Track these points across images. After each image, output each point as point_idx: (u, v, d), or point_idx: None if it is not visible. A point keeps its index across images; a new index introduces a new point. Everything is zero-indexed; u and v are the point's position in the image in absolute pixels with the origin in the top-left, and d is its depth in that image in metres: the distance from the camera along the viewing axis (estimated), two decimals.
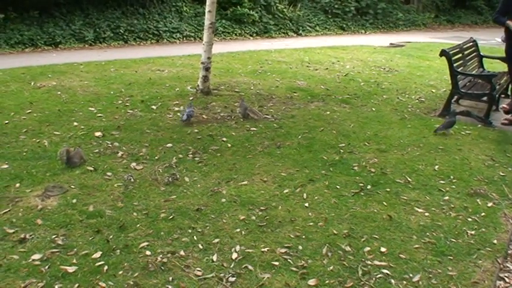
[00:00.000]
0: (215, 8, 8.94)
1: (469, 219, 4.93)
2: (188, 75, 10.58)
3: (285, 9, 19.26)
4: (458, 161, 6.44)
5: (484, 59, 10.55)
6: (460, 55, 9.08)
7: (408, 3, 24.56)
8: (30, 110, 7.77)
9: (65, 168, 5.70)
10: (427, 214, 4.99)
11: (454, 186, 5.66)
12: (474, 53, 10.19)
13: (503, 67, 10.13)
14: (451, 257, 4.26)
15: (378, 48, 15.89)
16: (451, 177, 5.91)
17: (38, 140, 6.58)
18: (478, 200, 5.35)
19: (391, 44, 16.84)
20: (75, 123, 7.25)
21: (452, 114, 7.84)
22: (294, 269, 3.97)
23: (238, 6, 17.85)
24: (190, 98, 8.65)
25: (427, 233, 4.62)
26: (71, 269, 3.84)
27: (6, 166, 5.74)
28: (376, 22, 21.99)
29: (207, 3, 8.80)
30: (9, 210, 4.74)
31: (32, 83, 9.45)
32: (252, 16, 18.14)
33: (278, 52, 14.32)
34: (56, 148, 6.27)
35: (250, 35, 18.19)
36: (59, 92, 8.87)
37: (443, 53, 8.43)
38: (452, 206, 5.19)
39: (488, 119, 8.23)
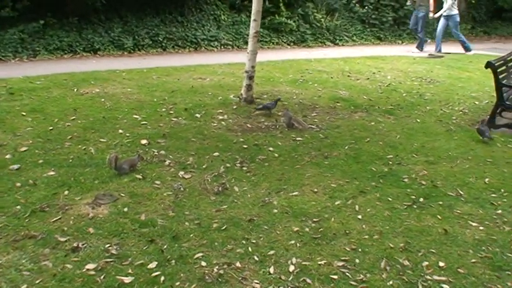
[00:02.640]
0: (260, 17, 8.88)
1: None
2: (230, 84, 10.55)
3: (322, 19, 19.13)
4: (508, 174, 6.31)
5: None
6: (504, 67, 8.89)
7: None
8: (74, 117, 7.80)
9: (114, 175, 5.69)
10: (481, 228, 4.90)
11: (505, 200, 5.55)
12: None
13: None
14: (509, 272, 4.19)
15: (418, 59, 15.70)
16: (502, 190, 5.80)
17: (83, 147, 6.59)
18: None
19: (430, 54, 16.65)
20: (120, 131, 7.25)
21: (480, 123, 7.85)
22: (353, 283, 3.91)
23: (276, 15, 17.78)
24: (234, 107, 8.62)
25: (483, 247, 4.54)
26: (127, 280, 3.81)
27: (53, 173, 5.75)
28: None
29: (253, 11, 8.75)
30: (59, 218, 4.74)
31: (75, 90, 9.48)
32: (289, 25, 18.05)
33: (318, 61, 14.22)
34: (103, 155, 6.29)
35: (288, 44, 18.11)
36: (103, 99, 8.89)
37: (489, 65, 8.27)
38: (506, 220, 5.09)
39: None
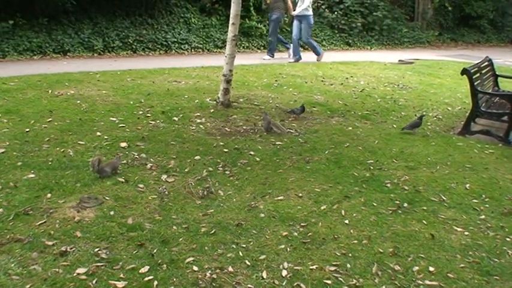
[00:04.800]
0: (239, 21, 8.83)
1: (508, 239, 4.87)
2: (205, 87, 10.52)
3: None
4: (487, 180, 6.38)
5: (499, 78, 10.56)
6: (478, 74, 9.04)
7: (413, 21, 24.63)
8: (50, 119, 7.67)
9: (95, 178, 5.60)
10: (466, 233, 4.93)
11: (487, 205, 5.60)
12: (490, 72, 10.19)
13: None
14: (497, 277, 4.21)
15: (389, 65, 15.85)
16: (483, 196, 5.85)
17: (62, 149, 6.46)
18: None
19: (400, 60, 16.79)
20: (98, 133, 7.15)
21: (419, 117, 8.35)
22: None
23: (247, 19, 17.82)
24: (211, 111, 8.58)
25: (470, 252, 4.57)
26: (120, 284, 3.73)
27: (33, 175, 5.62)
28: (381, 38, 22.00)
29: (231, 15, 8.70)
30: (44, 222, 4.62)
31: (50, 91, 9.34)
32: (259, 29, 18.13)
33: (291, 66, 14.28)
34: (82, 158, 6.20)
35: (258, 48, 18.18)
36: (78, 101, 8.76)
37: (465, 72, 8.38)
38: (489, 225, 5.13)
39: (508, 138, 8.18)
